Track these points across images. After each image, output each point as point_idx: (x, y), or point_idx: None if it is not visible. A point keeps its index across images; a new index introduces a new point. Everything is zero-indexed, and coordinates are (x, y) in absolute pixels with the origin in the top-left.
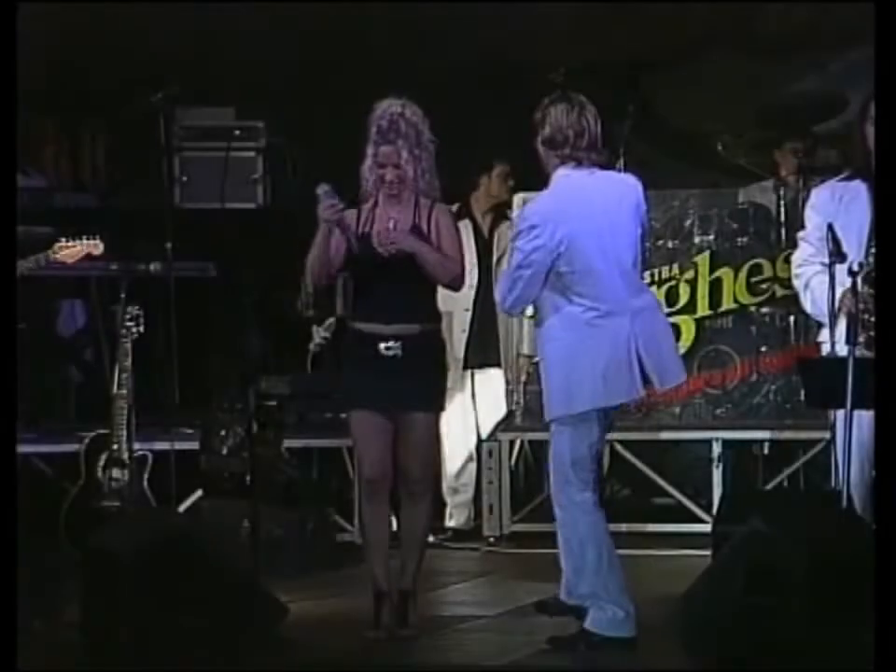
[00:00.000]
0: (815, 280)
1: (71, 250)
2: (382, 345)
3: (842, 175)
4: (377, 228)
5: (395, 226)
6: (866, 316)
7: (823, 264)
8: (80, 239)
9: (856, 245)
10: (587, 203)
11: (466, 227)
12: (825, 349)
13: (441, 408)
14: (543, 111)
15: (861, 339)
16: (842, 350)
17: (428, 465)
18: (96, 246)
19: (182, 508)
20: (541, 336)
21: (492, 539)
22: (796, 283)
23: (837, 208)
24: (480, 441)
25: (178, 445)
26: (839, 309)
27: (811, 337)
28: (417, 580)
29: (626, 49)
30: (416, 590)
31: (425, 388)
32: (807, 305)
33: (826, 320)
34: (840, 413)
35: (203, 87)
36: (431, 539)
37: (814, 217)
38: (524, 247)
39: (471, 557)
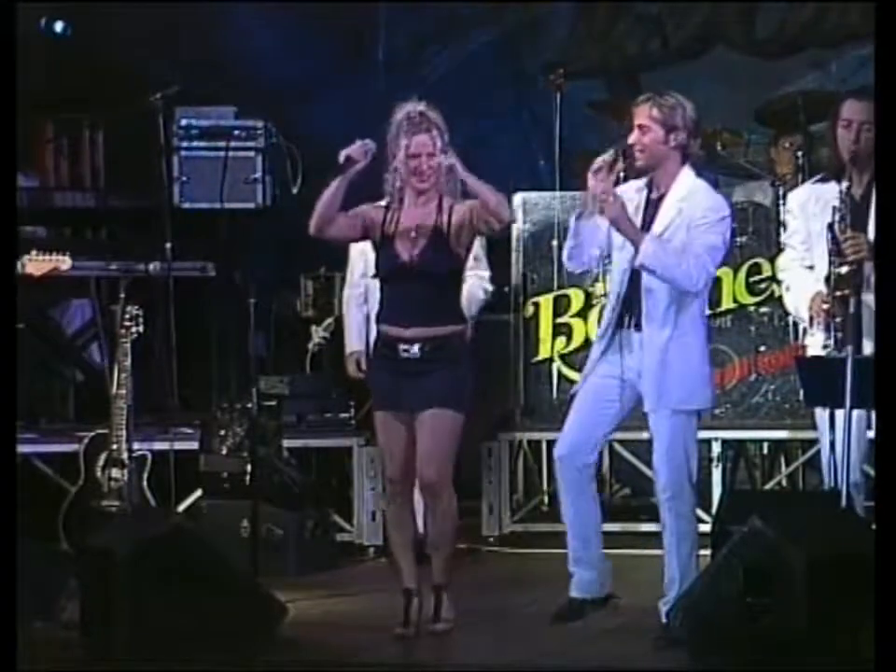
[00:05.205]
0: (795, 282)
1: (39, 263)
2: (402, 348)
3: (817, 178)
4: (401, 230)
5: (418, 229)
6: (837, 319)
7: (805, 266)
8: (50, 254)
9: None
10: None
11: None
12: (809, 352)
13: (459, 408)
14: (634, 110)
15: (829, 341)
16: (817, 352)
17: (442, 465)
18: (63, 262)
19: (182, 508)
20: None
21: (491, 539)
22: (782, 286)
23: (814, 211)
24: None
25: (178, 445)
26: (811, 311)
27: None
28: (447, 576)
29: (626, 49)
30: (446, 586)
31: (441, 389)
32: (789, 307)
33: (805, 322)
34: (829, 413)
35: (202, 87)
36: None
37: (792, 221)
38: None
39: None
